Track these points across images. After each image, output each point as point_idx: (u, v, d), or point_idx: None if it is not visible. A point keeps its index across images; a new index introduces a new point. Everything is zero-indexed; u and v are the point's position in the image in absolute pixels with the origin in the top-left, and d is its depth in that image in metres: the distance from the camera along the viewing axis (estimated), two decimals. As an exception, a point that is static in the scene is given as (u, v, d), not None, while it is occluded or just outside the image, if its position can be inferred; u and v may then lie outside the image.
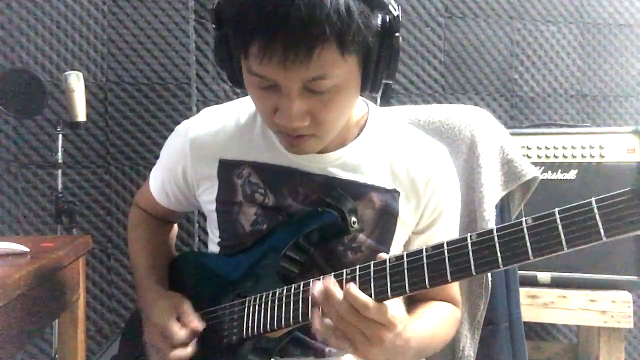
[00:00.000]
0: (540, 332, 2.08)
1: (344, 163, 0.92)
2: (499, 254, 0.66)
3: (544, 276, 1.63)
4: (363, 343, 0.72)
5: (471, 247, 0.68)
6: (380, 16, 0.76)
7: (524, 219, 0.66)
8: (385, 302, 0.73)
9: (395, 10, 0.77)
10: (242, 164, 0.95)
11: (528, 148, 1.68)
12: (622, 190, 0.60)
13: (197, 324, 0.88)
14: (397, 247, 0.95)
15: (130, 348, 1.03)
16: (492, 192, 1.16)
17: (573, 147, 1.65)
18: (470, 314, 1.17)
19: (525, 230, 0.65)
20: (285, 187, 0.92)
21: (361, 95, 0.82)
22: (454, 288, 1.00)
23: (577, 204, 0.63)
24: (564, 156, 1.66)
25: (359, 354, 0.74)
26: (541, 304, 1.60)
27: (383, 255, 0.75)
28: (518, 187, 1.20)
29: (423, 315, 0.93)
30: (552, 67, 2.13)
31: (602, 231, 0.60)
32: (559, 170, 1.65)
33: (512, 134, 1.29)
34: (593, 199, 0.62)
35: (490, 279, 1.13)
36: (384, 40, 0.76)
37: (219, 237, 0.99)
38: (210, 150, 0.96)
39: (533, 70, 2.12)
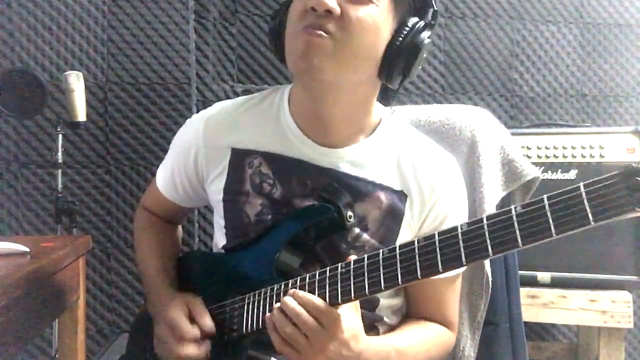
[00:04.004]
0: (540, 332, 2.08)
1: (354, 160, 0.94)
2: (488, 242, 0.67)
3: (544, 276, 1.63)
4: (306, 349, 0.76)
5: (461, 236, 0.69)
6: None
7: (513, 206, 0.67)
8: (340, 312, 0.77)
9: None
10: (254, 154, 0.96)
11: (528, 148, 1.68)
12: (610, 174, 0.60)
13: (208, 320, 0.89)
14: None
15: (138, 348, 1.03)
16: (492, 192, 1.16)
17: (573, 147, 1.65)
18: (471, 314, 1.16)
19: (514, 218, 0.66)
20: (295, 178, 0.94)
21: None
22: (451, 310, 1.00)
23: (565, 189, 0.63)
24: (564, 156, 1.66)
25: None
26: (541, 304, 1.60)
27: (351, 257, 0.79)
28: (519, 187, 1.20)
29: (400, 331, 0.94)
30: (552, 67, 2.13)
31: (590, 215, 0.61)
32: (559, 170, 1.65)
33: (512, 134, 1.29)
34: (581, 183, 0.62)
35: (490, 278, 1.13)
36: (420, 10, 0.88)
37: (224, 227, 0.99)
38: (224, 138, 0.98)
39: (533, 70, 2.12)
